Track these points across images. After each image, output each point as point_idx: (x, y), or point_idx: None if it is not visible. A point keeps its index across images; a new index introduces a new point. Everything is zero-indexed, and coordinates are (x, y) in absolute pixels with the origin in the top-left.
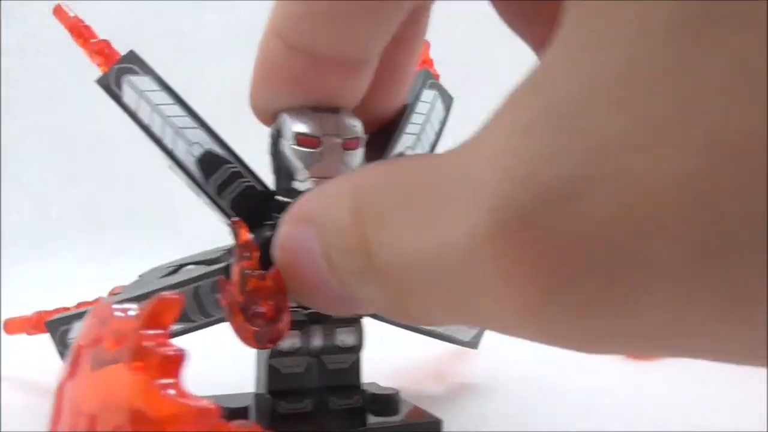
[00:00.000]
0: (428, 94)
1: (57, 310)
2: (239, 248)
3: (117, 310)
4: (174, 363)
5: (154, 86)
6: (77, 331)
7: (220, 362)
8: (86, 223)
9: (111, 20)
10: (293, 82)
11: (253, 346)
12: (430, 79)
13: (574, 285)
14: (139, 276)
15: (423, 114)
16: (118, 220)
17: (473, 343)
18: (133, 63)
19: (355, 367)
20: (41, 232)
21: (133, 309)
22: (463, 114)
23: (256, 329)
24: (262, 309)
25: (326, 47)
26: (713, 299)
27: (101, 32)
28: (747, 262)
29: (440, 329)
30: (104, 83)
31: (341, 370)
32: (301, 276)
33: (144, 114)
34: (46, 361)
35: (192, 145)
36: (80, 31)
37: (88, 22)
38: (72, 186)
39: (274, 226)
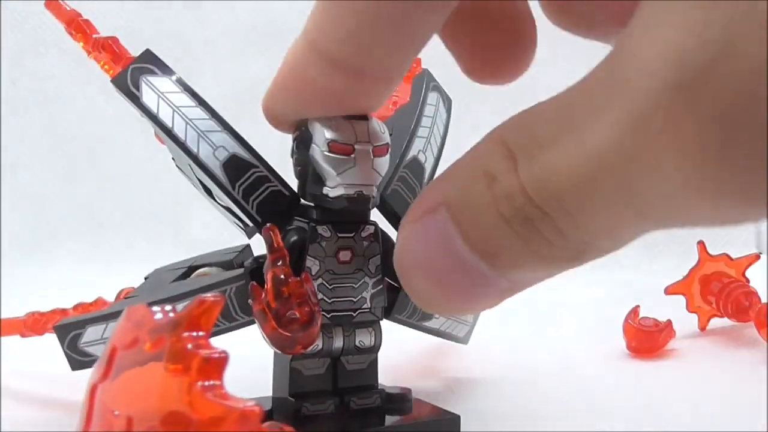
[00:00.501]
0: (432, 97)
1: (53, 312)
2: (273, 254)
3: (155, 311)
4: (217, 365)
5: (175, 88)
6: (91, 336)
7: (233, 368)
8: (86, 224)
9: (111, 21)
10: (329, 97)
11: (287, 352)
12: (432, 81)
13: (739, 137)
14: (145, 278)
15: (430, 117)
16: (118, 221)
17: (465, 339)
18: (151, 63)
19: (372, 367)
20: (41, 233)
21: (171, 311)
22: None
23: (289, 335)
24: (296, 315)
25: (377, 64)
26: None
27: (102, 33)
28: None
29: (442, 327)
30: (121, 83)
31: (360, 370)
32: (436, 270)
33: (165, 116)
34: (45, 364)
35: (217, 149)
36: (79, 26)
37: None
38: (72, 187)
39: (297, 231)
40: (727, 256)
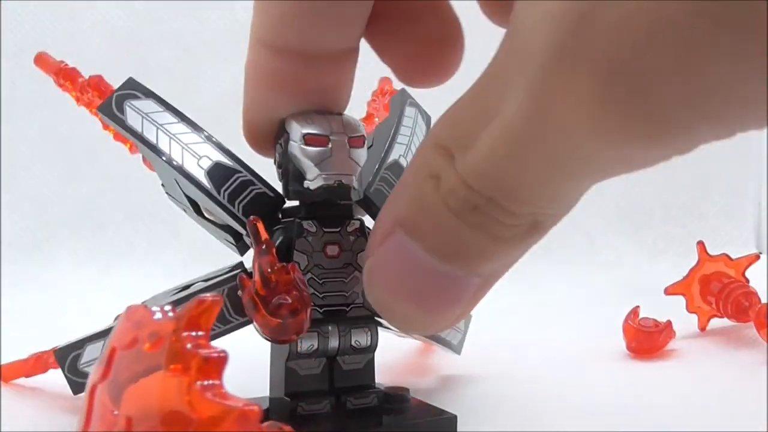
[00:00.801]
0: (410, 111)
1: (52, 351)
2: (259, 245)
3: (155, 312)
4: (216, 364)
5: (157, 107)
6: (91, 355)
7: (230, 368)
8: (86, 225)
9: (111, 21)
10: (288, 85)
11: (278, 339)
12: (409, 98)
13: (617, 81)
14: (144, 303)
15: (409, 127)
16: (118, 221)
17: (458, 347)
18: (133, 88)
19: (369, 367)
20: (41, 233)
21: (171, 311)
22: None
23: (279, 321)
24: (286, 300)
25: (314, 41)
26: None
27: (102, 34)
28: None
29: (443, 335)
30: (106, 109)
31: (356, 370)
32: (408, 290)
33: (150, 134)
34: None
35: (200, 159)
36: (67, 74)
37: (87, 25)
38: (72, 187)
39: (283, 230)
40: (727, 256)
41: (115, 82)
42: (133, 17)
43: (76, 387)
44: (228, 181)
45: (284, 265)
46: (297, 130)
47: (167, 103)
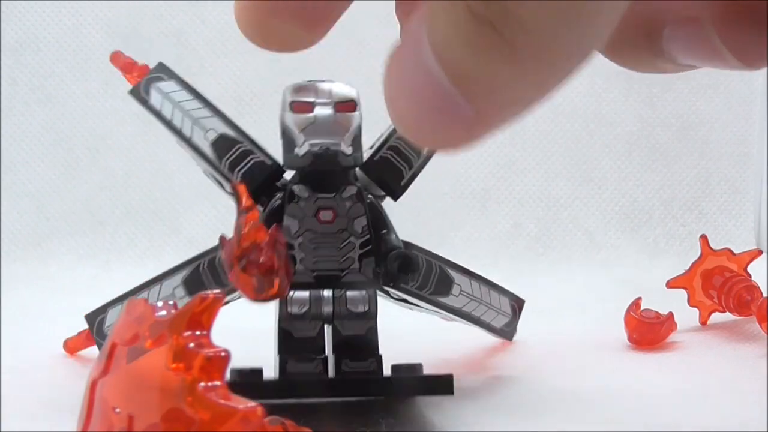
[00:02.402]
0: None
1: None
2: (239, 206)
3: (156, 308)
4: (218, 364)
5: (177, 87)
6: (112, 318)
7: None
8: (86, 221)
9: (111, 21)
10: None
11: (253, 298)
12: None
13: None
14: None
15: None
16: (118, 218)
17: (507, 333)
18: (161, 72)
19: (371, 334)
20: (41, 231)
21: (173, 307)
22: None
23: (253, 278)
24: (258, 259)
25: None
26: None
27: (103, 30)
28: None
29: (465, 308)
30: (136, 92)
31: (357, 336)
32: (409, 88)
33: (167, 111)
34: (45, 363)
35: (207, 131)
36: (129, 67)
37: (90, 21)
38: (72, 185)
39: (284, 198)
40: (729, 251)
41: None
42: (134, 14)
43: None
44: (230, 152)
45: (260, 225)
46: (286, 99)
47: (185, 82)
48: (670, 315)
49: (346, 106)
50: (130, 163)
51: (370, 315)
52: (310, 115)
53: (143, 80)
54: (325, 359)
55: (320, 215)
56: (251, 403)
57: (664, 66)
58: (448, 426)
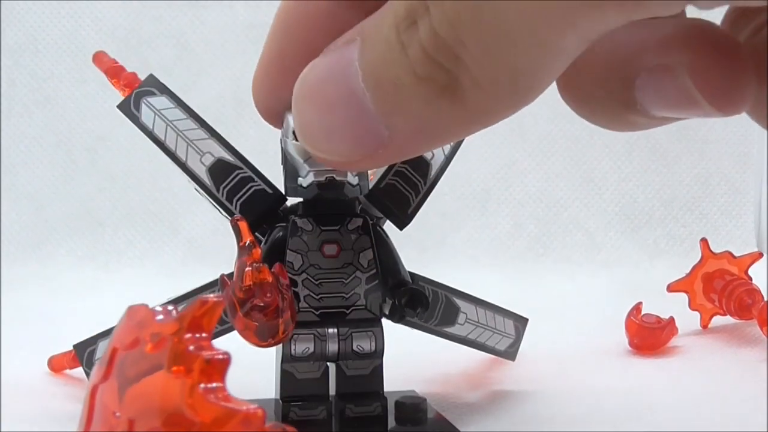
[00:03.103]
0: None
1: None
2: (240, 244)
3: (156, 312)
4: (219, 367)
5: (170, 104)
6: (103, 350)
7: (246, 370)
8: (86, 223)
9: (110, 22)
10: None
11: (255, 343)
12: None
13: None
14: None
15: None
16: (117, 219)
17: (511, 354)
18: (152, 86)
19: (376, 374)
20: (40, 232)
21: (173, 311)
22: None
23: (256, 324)
24: (261, 303)
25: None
26: None
27: (102, 32)
28: None
29: (470, 336)
30: (125, 107)
31: (361, 376)
32: (325, 97)
33: (159, 131)
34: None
35: (203, 155)
36: (115, 72)
37: (88, 22)
38: (71, 186)
39: (282, 228)
40: (730, 254)
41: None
42: (133, 16)
43: None
44: (228, 178)
45: (262, 266)
46: (288, 126)
47: (179, 99)
48: (671, 320)
49: None
50: (129, 165)
51: (377, 354)
52: None
53: (132, 94)
54: (329, 405)
55: (324, 249)
56: (252, 405)
57: (637, 120)
58: None
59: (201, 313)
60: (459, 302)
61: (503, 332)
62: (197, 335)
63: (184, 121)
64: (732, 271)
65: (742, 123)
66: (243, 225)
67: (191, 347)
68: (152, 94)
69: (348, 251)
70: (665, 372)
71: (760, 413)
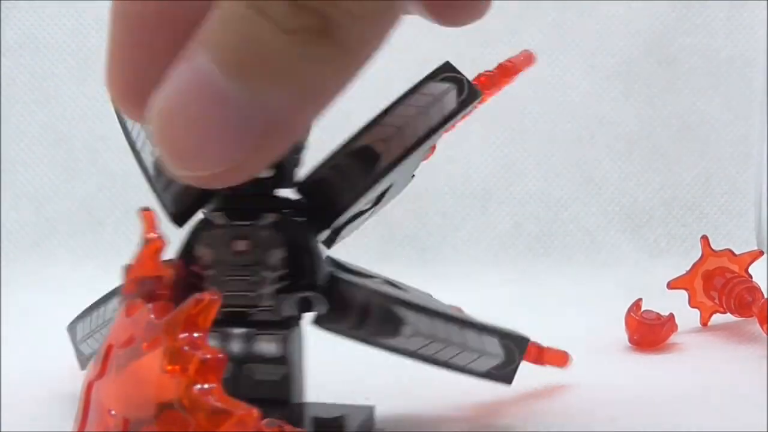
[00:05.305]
0: (435, 87)
1: None
2: (144, 236)
3: (152, 309)
4: (214, 366)
5: None
6: (82, 332)
7: None
8: (86, 222)
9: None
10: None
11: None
12: (447, 72)
13: None
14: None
15: (417, 106)
16: (117, 219)
17: (499, 376)
18: None
19: (287, 381)
20: (40, 231)
21: (168, 309)
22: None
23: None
24: (152, 295)
25: None
26: None
27: (102, 31)
28: None
29: (443, 357)
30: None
31: (271, 382)
32: (193, 118)
33: (130, 122)
34: (45, 362)
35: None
36: None
37: (89, 21)
38: (71, 185)
39: (198, 224)
40: (731, 251)
41: None
42: None
43: (81, 362)
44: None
45: (156, 257)
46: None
47: None
48: (671, 316)
49: None
50: (130, 163)
51: (285, 361)
52: None
53: None
54: None
55: (234, 245)
56: (247, 406)
57: None
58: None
59: (196, 311)
60: (405, 312)
61: (480, 350)
62: (193, 334)
63: None
64: (732, 268)
65: (742, 123)
66: (148, 216)
67: (186, 347)
68: None
69: (258, 249)
70: (665, 369)
71: (760, 411)
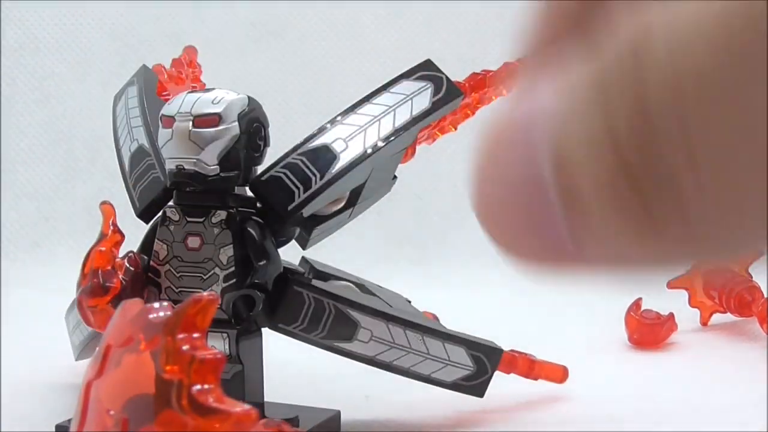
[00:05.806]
0: (407, 86)
1: None
2: (102, 229)
3: (150, 310)
4: (212, 366)
5: (135, 93)
6: (70, 324)
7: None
8: (86, 222)
9: (111, 22)
10: None
11: (88, 324)
12: (424, 70)
13: None
14: None
15: (385, 106)
16: (118, 218)
17: (468, 388)
18: (137, 75)
19: (237, 381)
20: (40, 231)
21: (167, 309)
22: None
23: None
24: (101, 286)
25: None
26: None
27: (102, 31)
28: None
29: (404, 364)
30: (116, 97)
31: (222, 380)
32: (505, 178)
33: (120, 118)
34: (45, 362)
35: (133, 141)
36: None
37: (89, 21)
38: (71, 185)
39: (164, 219)
40: None
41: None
42: (133, 16)
43: (73, 351)
44: (139, 165)
45: (105, 251)
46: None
47: (144, 89)
48: (671, 316)
49: (205, 120)
50: None
51: (234, 359)
52: (169, 130)
53: (123, 85)
54: None
55: (188, 241)
56: (245, 406)
57: None
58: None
59: (194, 311)
60: (360, 316)
61: (443, 360)
62: (191, 335)
63: (135, 109)
64: (732, 268)
65: None
66: (107, 210)
67: (185, 347)
68: (132, 83)
69: (210, 245)
70: (664, 368)
71: (760, 410)
